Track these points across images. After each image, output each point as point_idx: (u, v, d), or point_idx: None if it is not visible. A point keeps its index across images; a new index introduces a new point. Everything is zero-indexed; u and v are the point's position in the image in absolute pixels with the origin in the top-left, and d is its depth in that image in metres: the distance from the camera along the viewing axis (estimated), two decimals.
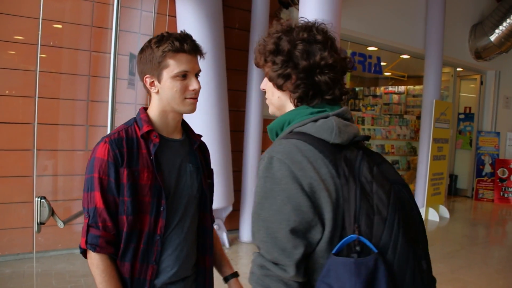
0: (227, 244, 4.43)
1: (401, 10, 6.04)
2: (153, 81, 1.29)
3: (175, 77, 1.25)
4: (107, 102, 2.28)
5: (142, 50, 1.30)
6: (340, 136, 0.94)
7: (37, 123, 3.55)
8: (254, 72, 4.52)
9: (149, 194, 1.24)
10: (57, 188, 3.84)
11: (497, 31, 6.83)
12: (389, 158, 6.96)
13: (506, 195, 7.84)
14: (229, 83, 4.32)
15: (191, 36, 1.30)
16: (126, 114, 3.90)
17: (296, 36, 1.00)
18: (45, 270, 3.51)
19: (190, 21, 3.87)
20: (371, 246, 0.85)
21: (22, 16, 3.47)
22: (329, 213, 0.88)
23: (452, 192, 8.24)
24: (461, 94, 8.60)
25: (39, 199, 1.50)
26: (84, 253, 1.22)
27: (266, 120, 4.95)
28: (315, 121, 0.97)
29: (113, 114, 2.34)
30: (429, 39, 6.17)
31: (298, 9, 4.44)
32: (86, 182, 1.22)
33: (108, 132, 2.41)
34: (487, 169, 8.05)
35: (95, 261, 1.19)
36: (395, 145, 7.45)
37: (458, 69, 8.04)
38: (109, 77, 2.25)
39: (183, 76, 1.26)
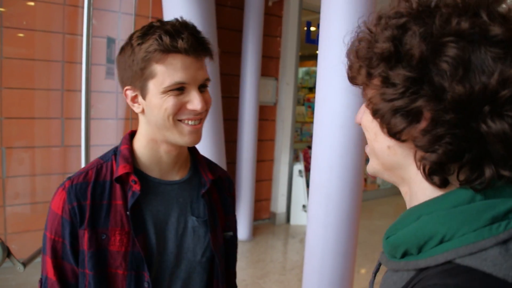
0: None
1: None
2: (136, 95, 0.89)
3: (165, 92, 0.84)
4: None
5: (122, 49, 0.90)
6: None
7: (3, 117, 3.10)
8: (248, 54, 4.11)
9: (123, 265, 0.87)
10: (34, 189, 3.42)
11: None
12: None
13: None
14: (221, 67, 3.90)
15: (192, 26, 0.87)
16: (106, 104, 3.47)
17: (441, 25, 0.47)
18: (21, 283, 3.12)
19: None
20: None
21: None
22: None
23: None
24: None
25: None
26: None
27: (263, 107, 4.56)
28: (505, 242, 0.46)
29: (88, 106, 1.95)
30: None
31: None
32: (43, 239, 0.90)
33: (83, 130, 2.00)
34: None
35: None
36: None
37: None
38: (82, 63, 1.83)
39: (180, 89, 0.85)
